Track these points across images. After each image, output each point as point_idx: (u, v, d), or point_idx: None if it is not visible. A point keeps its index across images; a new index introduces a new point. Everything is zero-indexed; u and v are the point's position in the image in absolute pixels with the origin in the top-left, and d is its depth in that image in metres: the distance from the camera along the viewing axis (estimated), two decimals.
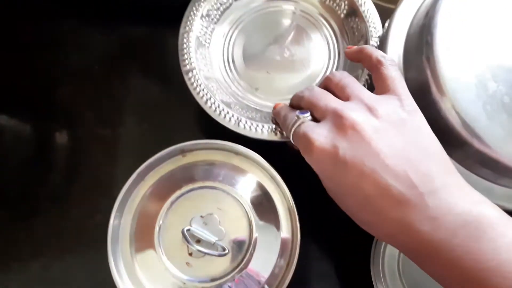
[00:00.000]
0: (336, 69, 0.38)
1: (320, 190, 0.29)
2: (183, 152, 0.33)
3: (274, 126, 0.34)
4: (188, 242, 0.28)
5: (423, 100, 0.28)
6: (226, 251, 0.29)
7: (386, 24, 0.35)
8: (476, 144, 0.27)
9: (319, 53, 0.39)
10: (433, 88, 0.28)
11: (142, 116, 0.41)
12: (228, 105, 0.35)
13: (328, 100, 0.29)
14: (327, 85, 0.31)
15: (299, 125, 0.29)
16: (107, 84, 0.42)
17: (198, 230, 0.30)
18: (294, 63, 0.38)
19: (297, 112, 0.30)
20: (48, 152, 0.41)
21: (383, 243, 0.33)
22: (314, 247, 0.38)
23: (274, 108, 0.34)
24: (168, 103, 0.41)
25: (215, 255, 0.29)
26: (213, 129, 0.35)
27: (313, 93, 0.30)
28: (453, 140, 0.28)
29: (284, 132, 0.33)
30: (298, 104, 0.32)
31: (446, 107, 0.28)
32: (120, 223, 0.31)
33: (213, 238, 0.29)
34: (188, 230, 0.29)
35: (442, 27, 0.29)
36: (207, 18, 0.38)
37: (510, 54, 0.28)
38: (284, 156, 0.34)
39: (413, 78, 0.31)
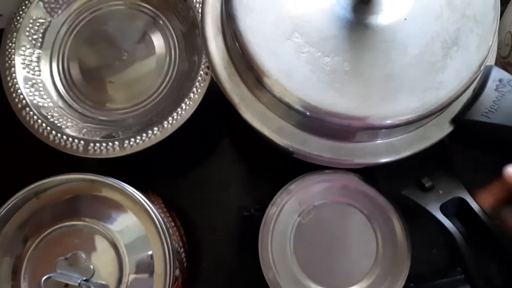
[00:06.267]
0: (179, 49, 0.36)
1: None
2: (37, 194, 0.31)
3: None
4: None
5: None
6: None
7: None
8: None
9: (157, 42, 0.36)
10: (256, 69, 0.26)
11: None
12: (77, 130, 0.33)
13: None
14: None
15: None
16: None
17: (62, 274, 0.28)
18: (136, 63, 0.36)
19: None
20: None
21: (272, 223, 0.33)
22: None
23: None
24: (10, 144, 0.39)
25: None
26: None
27: None
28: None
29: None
30: None
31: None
32: None
33: (77, 279, 0.28)
34: (48, 278, 0.28)
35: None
36: (27, 46, 0.35)
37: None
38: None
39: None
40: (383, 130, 0.25)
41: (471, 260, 0.29)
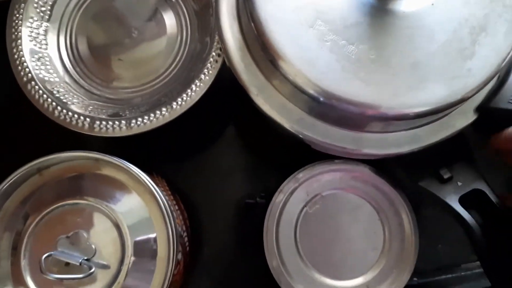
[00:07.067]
0: (191, 29, 0.35)
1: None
2: (39, 170, 0.30)
3: None
4: (42, 272, 0.26)
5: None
6: (92, 269, 0.27)
7: None
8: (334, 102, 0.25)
9: (169, 20, 0.35)
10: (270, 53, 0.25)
11: None
12: (83, 106, 0.32)
13: None
14: None
15: None
16: None
17: (63, 253, 0.28)
18: (146, 41, 0.35)
19: None
20: None
21: (278, 211, 0.32)
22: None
23: None
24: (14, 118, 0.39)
25: (78, 279, 0.27)
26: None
27: None
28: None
29: None
30: None
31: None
32: None
33: (79, 258, 0.27)
34: (49, 256, 0.27)
35: None
36: (35, 18, 0.34)
37: None
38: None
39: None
40: (410, 120, 0.24)
41: (490, 253, 0.28)
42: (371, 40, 0.24)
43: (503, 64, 0.24)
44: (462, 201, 0.29)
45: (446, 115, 0.26)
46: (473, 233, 0.28)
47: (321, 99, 0.24)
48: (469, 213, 0.29)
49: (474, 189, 0.29)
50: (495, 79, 0.26)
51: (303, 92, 0.24)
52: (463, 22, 0.24)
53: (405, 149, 0.27)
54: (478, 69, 0.24)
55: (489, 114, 0.27)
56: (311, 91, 0.24)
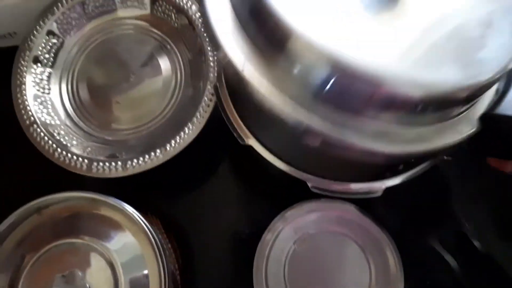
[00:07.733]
0: (184, 74, 0.37)
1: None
2: (39, 210, 0.31)
3: None
4: None
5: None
6: None
7: None
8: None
9: (164, 66, 0.37)
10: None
11: None
12: (82, 148, 0.34)
13: None
14: None
15: None
16: None
17: None
18: (143, 84, 0.37)
19: None
20: None
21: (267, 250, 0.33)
22: None
23: None
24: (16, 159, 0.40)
25: None
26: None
27: None
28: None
29: None
30: None
31: None
32: None
33: None
34: None
35: None
36: (39, 64, 0.36)
37: None
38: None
39: None
40: (428, 103, 0.23)
41: None
42: (390, 12, 0.22)
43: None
44: (443, 242, 0.30)
45: (451, 118, 0.26)
46: (454, 273, 0.29)
47: (333, 72, 0.22)
48: (450, 253, 0.29)
49: (454, 230, 0.30)
50: (493, 90, 0.26)
51: (308, 65, 0.22)
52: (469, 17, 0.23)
53: (414, 147, 0.25)
54: (489, 60, 0.23)
55: (493, 122, 0.26)
56: (318, 61, 0.22)
